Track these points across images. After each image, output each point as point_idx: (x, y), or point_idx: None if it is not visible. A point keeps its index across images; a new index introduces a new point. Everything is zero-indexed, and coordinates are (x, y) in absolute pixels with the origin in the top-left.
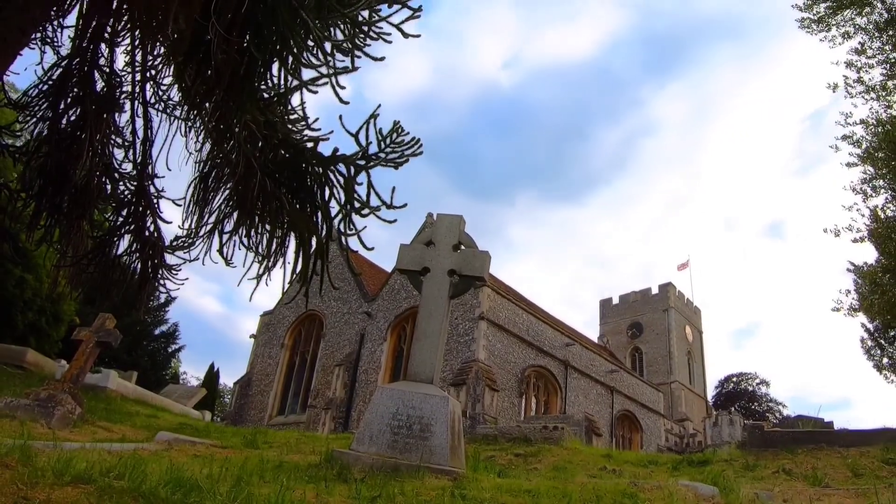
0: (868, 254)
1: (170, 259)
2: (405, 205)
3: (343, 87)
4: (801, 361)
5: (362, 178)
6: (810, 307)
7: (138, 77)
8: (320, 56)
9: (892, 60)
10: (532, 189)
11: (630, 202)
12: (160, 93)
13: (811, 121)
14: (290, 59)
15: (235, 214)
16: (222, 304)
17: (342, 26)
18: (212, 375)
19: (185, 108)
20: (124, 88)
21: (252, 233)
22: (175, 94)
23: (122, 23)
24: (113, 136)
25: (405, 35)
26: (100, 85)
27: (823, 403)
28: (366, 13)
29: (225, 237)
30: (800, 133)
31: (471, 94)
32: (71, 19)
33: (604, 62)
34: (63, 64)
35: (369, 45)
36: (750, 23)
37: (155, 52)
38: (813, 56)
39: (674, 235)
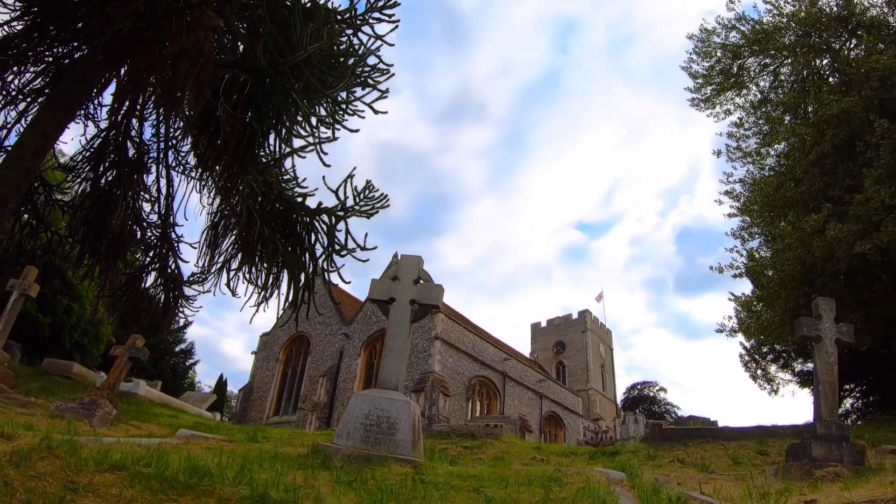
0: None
1: (187, 291)
2: (375, 247)
3: (326, 154)
4: (692, 374)
5: (341, 226)
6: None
7: (162, 145)
8: (307, 128)
9: (765, 132)
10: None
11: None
12: (180, 158)
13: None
14: (284, 131)
15: (239, 255)
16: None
17: (325, 104)
18: (221, 384)
19: (200, 170)
20: (151, 154)
21: (253, 270)
22: (191, 159)
23: (150, 102)
24: (142, 193)
25: (375, 112)
26: (131, 152)
27: (709, 406)
28: (344, 94)
29: (231, 273)
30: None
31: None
32: (108, 98)
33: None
34: (102, 135)
35: (346, 120)
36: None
37: (175, 126)
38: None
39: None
